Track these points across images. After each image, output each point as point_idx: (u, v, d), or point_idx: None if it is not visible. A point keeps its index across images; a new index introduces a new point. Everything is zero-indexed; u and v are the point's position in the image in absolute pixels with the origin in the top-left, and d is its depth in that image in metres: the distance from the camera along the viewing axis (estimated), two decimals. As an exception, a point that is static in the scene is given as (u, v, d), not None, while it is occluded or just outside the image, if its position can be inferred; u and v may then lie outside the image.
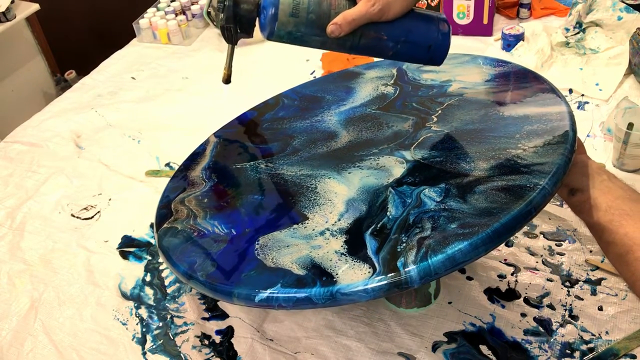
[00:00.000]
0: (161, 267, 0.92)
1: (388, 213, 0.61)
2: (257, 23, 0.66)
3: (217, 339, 0.80)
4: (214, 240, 0.67)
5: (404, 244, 0.56)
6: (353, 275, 0.54)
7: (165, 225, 0.74)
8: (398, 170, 0.68)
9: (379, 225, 0.60)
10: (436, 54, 0.68)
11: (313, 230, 0.63)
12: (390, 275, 0.53)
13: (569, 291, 0.79)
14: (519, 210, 0.55)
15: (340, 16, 0.63)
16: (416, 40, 0.66)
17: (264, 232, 0.65)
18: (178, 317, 0.84)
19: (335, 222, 0.63)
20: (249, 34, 0.67)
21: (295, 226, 0.64)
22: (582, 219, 0.63)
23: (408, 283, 0.53)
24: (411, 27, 0.66)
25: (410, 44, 0.66)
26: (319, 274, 0.56)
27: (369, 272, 0.54)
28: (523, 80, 0.78)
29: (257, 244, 0.63)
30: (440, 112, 0.77)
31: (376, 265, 0.55)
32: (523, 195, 0.57)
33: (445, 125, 0.74)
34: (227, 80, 0.71)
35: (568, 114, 0.67)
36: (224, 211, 0.72)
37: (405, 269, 0.53)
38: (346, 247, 0.59)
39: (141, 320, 0.84)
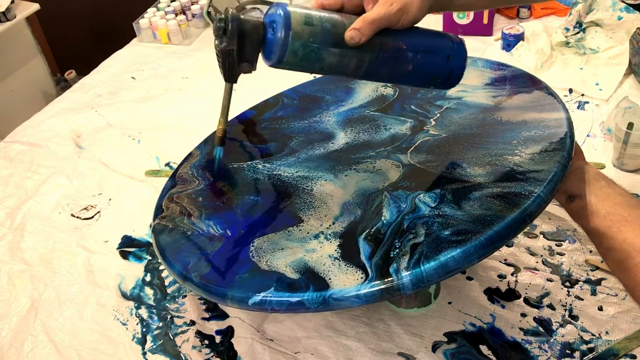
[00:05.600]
0: (161, 267, 0.92)
1: (382, 218, 0.61)
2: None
3: (217, 339, 0.80)
4: (208, 240, 0.67)
5: (397, 250, 0.56)
6: (346, 281, 0.54)
7: (155, 222, 0.74)
8: (394, 174, 0.68)
9: (373, 230, 0.60)
10: (455, 67, 0.64)
11: (308, 233, 0.63)
12: (382, 281, 0.53)
13: (569, 291, 0.79)
14: (513, 218, 0.55)
15: (359, 20, 0.58)
16: (435, 50, 0.63)
17: (259, 234, 0.65)
18: (178, 317, 0.84)
19: (330, 225, 0.63)
20: (251, 62, 0.60)
21: (290, 229, 0.64)
22: (581, 225, 0.63)
23: (400, 290, 0.53)
24: (427, 36, 0.63)
25: (430, 55, 0.63)
26: (312, 278, 0.56)
27: (362, 277, 0.54)
28: (522, 85, 0.78)
29: (252, 245, 0.63)
30: (438, 115, 0.77)
31: (369, 270, 0.55)
32: (518, 203, 0.56)
33: (442, 129, 0.74)
34: (221, 141, 0.63)
35: (566, 120, 0.67)
36: (220, 211, 0.72)
37: (398, 276, 0.53)
38: (340, 251, 0.59)
39: (141, 320, 0.84)
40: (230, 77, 0.61)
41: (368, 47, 0.60)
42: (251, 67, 0.61)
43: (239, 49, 0.58)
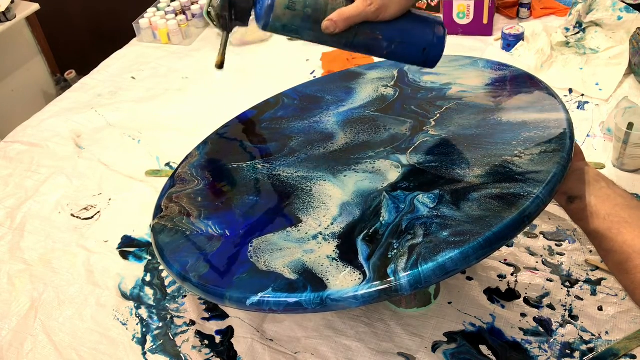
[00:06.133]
0: (161, 267, 0.92)
1: (381, 218, 0.61)
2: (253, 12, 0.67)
3: (217, 339, 0.80)
4: (207, 240, 0.67)
5: (395, 251, 0.56)
6: (343, 282, 0.54)
7: (154, 222, 0.74)
8: (393, 174, 0.68)
9: (371, 231, 0.60)
10: (430, 57, 0.68)
11: (306, 233, 0.63)
12: (380, 282, 0.53)
13: (569, 291, 0.79)
14: (511, 219, 0.55)
15: (336, 13, 0.62)
16: (411, 42, 0.66)
17: (258, 234, 0.65)
18: (178, 317, 0.84)
19: (329, 226, 0.63)
20: (244, 22, 0.68)
21: (289, 229, 0.64)
22: (581, 227, 0.63)
23: (398, 291, 0.52)
24: (407, 28, 0.66)
25: (405, 45, 0.66)
26: (310, 279, 0.56)
27: (360, 278, 0.54)
28: (523, 85, 0.78)
29: (251, 246, 0.63)
30: (438, 116, 0.77)
31: (367, 271, 0.54)
32: (517, 204, 0.56)
33: (442, 129, 0.74)
34: (220, 65, 0.72)
35: (566, 121, 0.67)
36: (219, 211, 0.72)
37: (396, 277, 0.53)
38: (338, 252, 0.59)
39: (141, 320, 0.84)
40: (225, 29, 0.70)
41: (344, 34, 0.65)
42: (243, 24, 0.69)
43: (230, 13, 0.67)
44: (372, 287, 0.53)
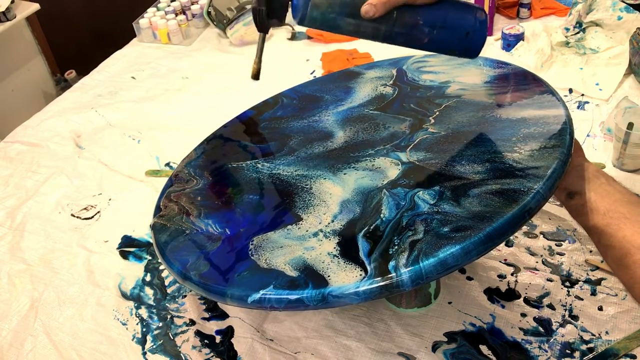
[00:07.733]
0: (161, 267, 0.92)
1: (381, 215, 0.61)
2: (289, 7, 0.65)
3: (217, 339, 0.80)
4: (207, 239, 0.67)
5: (396, 247, 0.56)
6: (345, 278, 0.54)
7: (154, 220, 0.74)
8: (393, 171, 0.68)
9: (372, 228, 0.60)
10: (473, 43, 0.67)
11: (307, 231, 0.63)
12: (381, 278, 0.53)
13: (569, 291, 0.79)
14: (512, 214, 0.55)
15: None
16: (453, 27, 0.65)
17: (258, 233, 0.65)
18: (178, 317, 0.84)
19: (329, 223, 0.63)
20: (280, 19, 0.67)
21: (289, 227, 0.64)
22: (580, 223, 0.63)
23: (399, 286, 0.52)
24: (448, 12, 0.65)
25: (447, 30, 0.65)
26: (311, 275, 0.56)
27: (361, 274, 0.54)
28: (522, 82, 0.78)
29: (251, 244, 0.63)
30: (437, 113, 0.77)
31: (368, 268, 0.55)
32: (517, 199, 0.56)
33: (442, 127, 0.74)
34: (256, 75, 0.70)
35: (566, 117, 0.67)
36: (219, 210, 0.72)
37: (397, 272, 0.53)
38: (339, 248, 0.59)
39: (141, 320, 0.84)
40: (262, 29, 0.68)
41: (383, 20, 0.63)
42: (280, 22, 0.67)
43: (267, 9, 0.65)
44: (373, 283, 0.53)
